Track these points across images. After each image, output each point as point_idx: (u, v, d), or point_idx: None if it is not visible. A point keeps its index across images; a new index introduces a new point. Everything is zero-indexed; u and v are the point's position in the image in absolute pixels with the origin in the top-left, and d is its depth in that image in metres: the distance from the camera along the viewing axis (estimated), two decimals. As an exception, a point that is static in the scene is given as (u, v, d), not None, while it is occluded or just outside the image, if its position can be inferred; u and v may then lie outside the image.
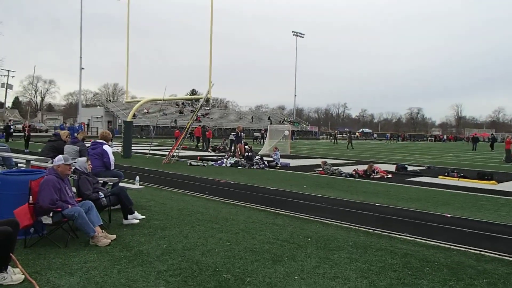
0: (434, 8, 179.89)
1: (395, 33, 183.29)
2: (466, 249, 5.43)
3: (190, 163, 16.60)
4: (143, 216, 6.61)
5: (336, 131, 68.87)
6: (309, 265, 4.60)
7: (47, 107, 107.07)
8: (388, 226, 6.68)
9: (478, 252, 5.33)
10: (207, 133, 28.53)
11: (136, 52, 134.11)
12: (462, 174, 14.08)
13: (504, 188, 11.81)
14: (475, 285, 4.17)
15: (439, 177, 14.15)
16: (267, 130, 30.22)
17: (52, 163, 5.70)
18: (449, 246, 5.58)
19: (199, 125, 35.02)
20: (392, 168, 16.34)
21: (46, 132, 50.63)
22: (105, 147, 7.60)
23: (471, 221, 7.24)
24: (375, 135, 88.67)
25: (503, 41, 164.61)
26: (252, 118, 77.45)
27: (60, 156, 5.43)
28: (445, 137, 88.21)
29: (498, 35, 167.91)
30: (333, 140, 48.09)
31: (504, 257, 5.13)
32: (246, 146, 20.34)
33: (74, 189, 6.41)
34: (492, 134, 48.81)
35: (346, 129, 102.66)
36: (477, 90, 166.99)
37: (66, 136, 8.40)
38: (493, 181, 12.94)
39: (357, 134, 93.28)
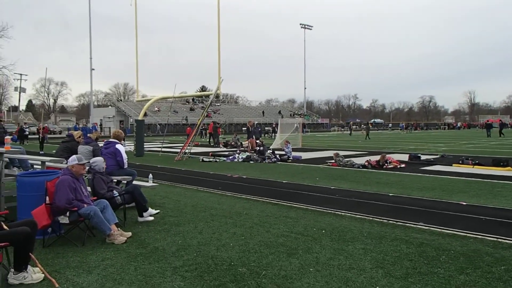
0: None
1: (403, 20, 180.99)
2: (483, 237, 5.37)
3: (202, 160, 16.68)
4: (158, 211, 6.69)
5: (351, 123, 68.42)
6: (324, 257, 4.60)
7: (59, 109, 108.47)
8: (403, 216, 6.64)
9: (495, 239, 5.26)
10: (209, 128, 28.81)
11: (145, 50, 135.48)
12: (477, 161, 13.89)
13: (521, 174, 11.62)
14: (493, 272, 4.12)
15: (453, 165, 13.98)
16: (277, 124, 30.16)
17: (66, 163, 5.78)
18: (465, 234, 5.52)
19: (212, 122, 35.17)
20: (405, 157, 16.20)
21: (60, 133, 51.35)
22: (118, 146, 7.69)
23: (487, 209, 7.16)
24: (390, 125, 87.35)
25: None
26: (263, 112, 77.24)
27: (74, 156, 5.51)
28: (458, 124, 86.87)
29: (507, 15, 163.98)
30: (348, 132, 47.96)
31: (522, 244, 5.06)
32: (257, 141, 20.37)
33: (89, 188, 6.51)
34: (500, 120, 47.84)
35: (357, 120, 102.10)
36: (490, 75, 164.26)
37: (79, 137, 8.50)
38: (509, 168, 12.73)
39: (369, 124, 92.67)
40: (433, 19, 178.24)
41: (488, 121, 46.63)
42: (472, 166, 13.52)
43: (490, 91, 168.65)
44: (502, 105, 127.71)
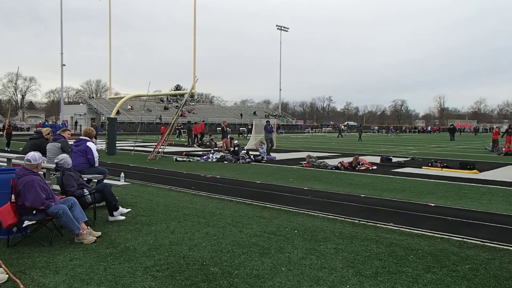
0: (417, 3, 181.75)
1: (378, 26, 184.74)
2: (449, 237, 5.54)
3: (176, 159, 16.52)
4: (129, 209, 6.57)
5: (341, 125, 69.12)
6: (296, 257, 4.64)
7: (28, 105, 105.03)
8: (374, 216, 6.77)
9: (461, 239, 5.44)
10: (199, 127, 28.72)
11: (120, 47, 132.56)
12: (445, 164, 14.32)
13: (486, 177, 12.05)
14: (458, 271, 4.26)
15: (423, 167, 14.36)
16: (252, 124, 30.21)
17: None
18: (432, 234, 5.68)
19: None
20: (377, 159, 16.53)
21: (28, 130, 49.71)
22: (89, 144, 7.48)
23: (454, 210, 7.38)
24: (375, 127, 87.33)
25: (485, 33, 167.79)
26: (241, 115, 76.93)
27: (35, 154, 5.26)
28: (429, 128, 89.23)
29: (480, 27, 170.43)
30: (337, 134, 48.87)
31: (485, 244, 5.24)
32: (234, 141, 20.33)
33: (57, 186, 6.34)
34: (452, 125, 50.73)
35: (331, 122, 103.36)
36: (460, 82, 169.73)
37: (48, 134, 8.26)
38: (475, 171, 13.19)
39: (342, 126, 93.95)
40: (410, 27, 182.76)
41: (452, 125, 49.11)
42: (440, 168, 13.93)
43: (459, 96, 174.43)
44: (470, 110, 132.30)
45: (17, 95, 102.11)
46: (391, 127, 75.47)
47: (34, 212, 4.96)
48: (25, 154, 7.52)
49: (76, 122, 51.98)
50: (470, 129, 75.00)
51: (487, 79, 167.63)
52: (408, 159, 17.67)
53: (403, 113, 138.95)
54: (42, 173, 6.13)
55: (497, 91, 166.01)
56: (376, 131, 78.70)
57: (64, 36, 49.12)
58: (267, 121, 21.17)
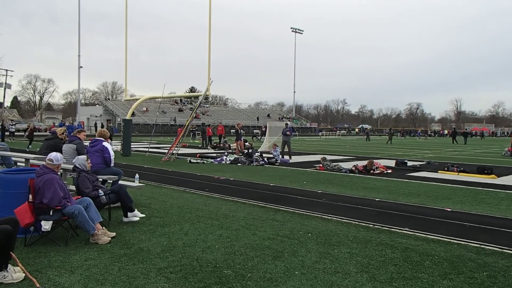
0: (433, 1, 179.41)
1: (393, 27, 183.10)
2: (467, 243, 5.44)
3: (190, 161, 16.60)
4: (143, 215, 6.60)
5: (368, 128, 69.08)
6: (309, 261, 4.60)
7: (46, 106, 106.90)
8: (388, 220, 6.69)
9: (478, 245, 5.33)
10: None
11: (135, 49, 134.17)
12: (462, 169, 14.08)
13: (504, 182, 11.81)
14: (475, 278, 4.17)
15: (439, 171, 14.15)
16: (267, 126, 30.19)
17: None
18: (449, 240, 5.58)
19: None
20: (392, 163, 16.34)
21: (45, 131, 50.61)
22: (105, 143, 7.66)
23: (471, 215, 7.25)
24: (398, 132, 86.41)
25: (503, 32, 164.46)
26: (257, 118, 76.70)
27: (57, 155, 5.40)
28: (445, 131, 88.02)
29: (497, 26, 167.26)
30: (365, 138, 48.96)
31: (504, 250, 5.13)
32: (246, 143, 20.35)
33: (73, 187, 6.42)
34: (453, 128, 53.40)
35: (345, 125, 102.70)
36: (477, 84, 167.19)
37: (62, 133, 8.38)
38: (493, 175, 12.94)
39: (356, 130, 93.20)
40: (425, 26, 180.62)
41: (454, 128, 51.68)
42: (457, 173, 13.70)
43: (476, 100, 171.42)
44: (487, 114, 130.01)
45: (35, 97, 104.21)
46: (419, 131, 74.93)
47: (50, 212, 5.03)
48: (42, 155, 7.68)
49: (95, 124, 52.64)
50: (477, 133, 74.09)
51: (505, 82, 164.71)
52: (424, 163, 17.43)
53: (419, 117, 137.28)
54: (60, 173, 6.22)
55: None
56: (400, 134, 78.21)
57: (80, 38, 49.76)
58: (286, 124, 21.18)
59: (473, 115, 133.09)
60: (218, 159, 17.09)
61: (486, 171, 13.29)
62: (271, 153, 17.92)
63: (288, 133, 18.87)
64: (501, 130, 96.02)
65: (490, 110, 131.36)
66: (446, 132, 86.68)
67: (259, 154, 17.35)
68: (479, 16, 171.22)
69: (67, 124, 42.36)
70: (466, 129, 50.79)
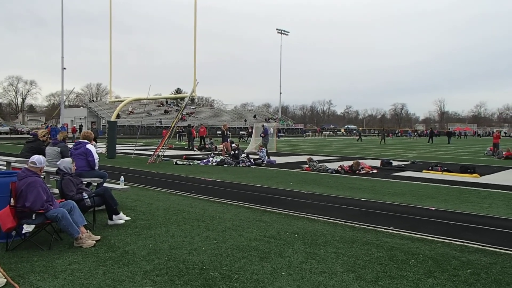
0: (419, 6, 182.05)
1: (378, 30, 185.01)
2: (450, 241, 5.51)
3: (176, 163, 16.49)
4: (129, 218, 6.52)
5: (360, 129, 69.90)
6: (296, 261, 4.61)
7: (28, 108, 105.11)
8: (374, 220, 6.74)
9: (462, 243, 5.41)
10: (201, 131, 28.88)
11: (120, 51, 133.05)
12: (445, 168, 14.29)
13: (486, 181, 12.02)
14: (459, 275, 4.23)
15: (423, 171, 14.34)
16: (253, 128, 30.21)
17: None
18: (433, 238, 5.65)
19: (201, 125, 35.06)
20: (377, 163, 16.50)
21: (28, 133, 49.77)
22: (88, 146, 7.50)
23: (455, 214, 7.36)
24: (397, 131, 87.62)
25: (486, 37, 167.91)
26: (245, 120, 76.39)
27: (40, 157, 5.31)
28: (435, 132, 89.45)
29: (481, 31, 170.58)
30: (357, 138, 49.59)
31: (487, 248, 5.22)
32: (233, 144, 20.31)
33: (56, 190, 6.32)
34: (430, 128, 56.81)
35: (331, 125, 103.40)
36: (459, 85, 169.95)
37: (44, 135, 8.23)
38: (476, 174, 13.16)
39: (342, 130, 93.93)
40: (410, 30, 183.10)
41: (431, 129, 54.24)
42: (441, 172, 13.91)
43: (459, 100, 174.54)
44: (470, 114, 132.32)
45: (17, 98, 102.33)
46: (410, 131, 76.12)
47: (33, 216, 4.94)
48: (23, 158, 7.54)
49: (81, 126, 51.90)
50: (460, 133, 75.65)
51: (486, 82, 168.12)
52: (409, 162, 17.64)
53: (403, 117, 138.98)
54: (42, 176, 6.12)
55: (497, 95, 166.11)
56: (396, 134, 79.38)
57: (64, 39, 49.15)
58: (262, 125, 21.49)
59: (456, 115, 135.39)
60: (204, 160, 17.02)
61: (469, 170, 13.52)
62: (258, 154, 17.92)
63: (263, 135, 19.13)
64: (483, 130, 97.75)
65: (472, 110, 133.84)
66: (435, 131, 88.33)
67: (245, 155, 17.35)
68: (461, 22, 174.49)
69: (50, 126, 41.70)
70: (449, 129, 52.09)
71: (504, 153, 21.34)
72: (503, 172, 14.68)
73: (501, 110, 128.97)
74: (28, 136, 9.06)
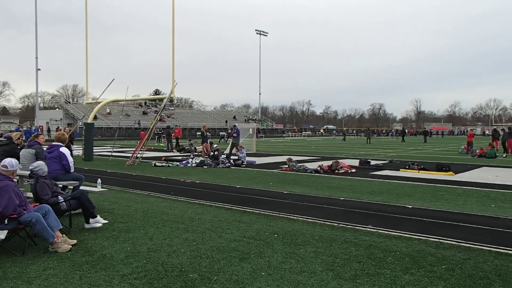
0: (396, 7, 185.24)
1: (357, 31, 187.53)
2: (427, 238, 5.63)
3: (155, 164, 16.31)
4: (106, 221, 6.41)
5: (345, 129, 70.83)
6: (275, 261, 4.62)
7: (1, 110, 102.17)
8: (353, 219, 6.82)
9: (438, 240, 5.53)
10: (176, 132, 28.69)
11: (97, 52, 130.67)
12: (422, 167, 14.57)
13: (461, 179, 12.33)
14: (435, 271, 4.32)
15: (400, 170, 14.59)
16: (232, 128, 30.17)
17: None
18: (410, 235, 5.76)
19: (176, 126, 34.75)
20: (356, 163, 16.71)
21: (1, 136, 48.40)
22: (62, 149, 7.17)
23: (430, 211, 7.51)
24: (384, 131, 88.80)
25: (460, 39, 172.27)
26: (226, 121, 75.92)
27: (12, 160, 5.15)
28: (406, 131, 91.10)
29: (455, 34, 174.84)
30: (342, 138, 50.73)
31: (461, 244, 5.35)
32: (214, 145, 20.21)
33: (30, 194, 6.16)
34: (402, 127, 61.04)
35: (310, 126, 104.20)
36: (435, 85, 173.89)
37: (18, 138, 7.98)
38: (451, 172, 13.48)
39: (321, 131, 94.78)
40: (388, 32, 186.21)
41: (402, 128, 57.67)
42: (417, 171, 14.18)
43: (434, 100, 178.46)
44: (445, 114, 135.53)
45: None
46: (392, 130, 77.34)
47: (5, 221, 4.80)
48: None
49: (57, 128, 50.87)
50: (438, 132, 77.63)
51: (460, 83, 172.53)
52: (386, 162, 17.93)
53: (381, 117, 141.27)
54: (16, 180, 5.95)
55: (471, 94, 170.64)
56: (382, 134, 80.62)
57: (39, 40, 48.12)
58: (234, 125, 21.71)
59: (432, 114, 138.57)
60: (184, 162, 16.89)
61: (444, 168, 13.84)
62: (237, 155, 17.89)
63: (235, 135, 19.30)
64: (458, 129, 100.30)
65: (447, 109, 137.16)
66: (407, 131, 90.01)
67: (225, 156, 17.30)
68: (437, 25, 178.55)
69: (24, 128, 40.65)
70: (425, 128, 53.76)
71: (477, 151, 21.93)
72: (476, 170, 15.08)
73: (475, 110, 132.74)
74: (1, 139, 8.75)
